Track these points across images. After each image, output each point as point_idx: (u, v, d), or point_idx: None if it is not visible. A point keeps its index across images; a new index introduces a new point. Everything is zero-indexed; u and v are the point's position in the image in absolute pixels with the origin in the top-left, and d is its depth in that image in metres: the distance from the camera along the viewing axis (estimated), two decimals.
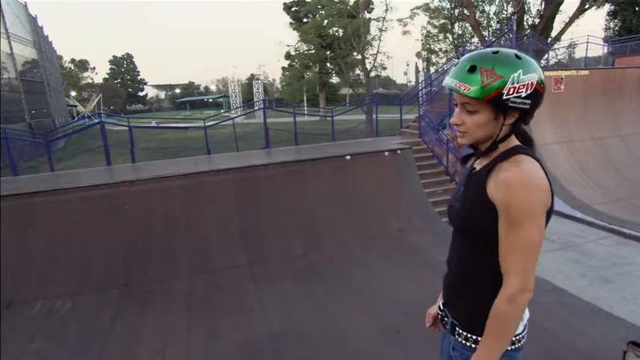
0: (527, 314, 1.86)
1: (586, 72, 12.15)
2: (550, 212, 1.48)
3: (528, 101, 1.40)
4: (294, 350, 5.01)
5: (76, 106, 45.21)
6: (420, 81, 29.90)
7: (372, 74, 25.02)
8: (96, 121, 18.14)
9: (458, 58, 16.13)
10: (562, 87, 11.72)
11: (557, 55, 14.88)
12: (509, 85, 1.37)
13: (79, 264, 7.17)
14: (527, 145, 1.54)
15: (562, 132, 11.71)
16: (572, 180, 10.82)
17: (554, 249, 8.03)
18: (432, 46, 22.23)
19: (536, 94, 1.41)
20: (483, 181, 1.49)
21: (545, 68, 12.78)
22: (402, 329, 5.30)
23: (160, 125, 19.23)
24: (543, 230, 1.43)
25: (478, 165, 1.64)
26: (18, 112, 18.85)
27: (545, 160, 11.10)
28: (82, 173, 10.37)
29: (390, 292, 6.36)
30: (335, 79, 41.09)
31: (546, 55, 14.24)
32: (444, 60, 21.41)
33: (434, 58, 22.98)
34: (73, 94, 55.17)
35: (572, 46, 15.22)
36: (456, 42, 20.94)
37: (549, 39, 16.65)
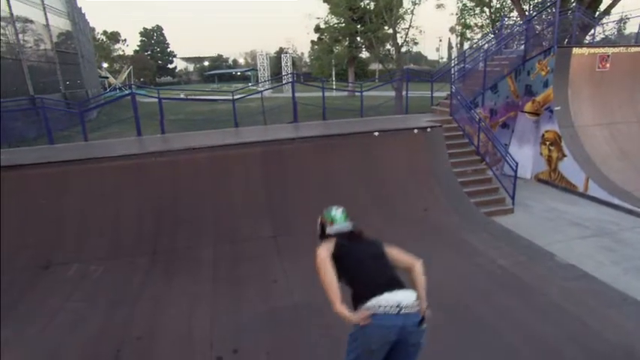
0: (371, 303, 2.50)
1: (637, 48, 11.36)
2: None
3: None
4: (316, 323, 5.07)
5: (107, 78, 46.10)
6: (452, 57, 28.89)
7: (403, 49, 24.29)
8: (127, 92, 18.45)
9: (494, 34, 15.40)
10: (607, 65, 11.03)
11: (604, 30, 13.94)
12: None
13: (110, 231, 7.43)
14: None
15: (604, 114, 11.09)
16: (611, 165, 10.29)
17: (586, 235, 7.73)
18: (468, 20, 21.23)
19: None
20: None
21: (590, 45, 12.04)
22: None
23: (189, 97, 19.40)
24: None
25: None
26: (53, 83, 19.35)
27: (582, 143, 10.60)
28: (113, 143, 10.64)
29: None
30: (364, 54, 40.19)
31: (592, 31, 13.37)
32: (479, 35, 20.49)
33: (469, 34, 22.00)
34: (105, 65, 56.23)
35: (622, 20, 14.19)
36: (493, 16, 19.91)
37: (597, 13, 15.60)
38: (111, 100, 21.06)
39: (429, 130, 9.59)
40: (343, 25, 30.07)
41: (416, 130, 9.47)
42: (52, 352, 4.72)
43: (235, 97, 11.61)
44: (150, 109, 12.86)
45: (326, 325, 5.01)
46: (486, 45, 13.93)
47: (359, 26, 28.63)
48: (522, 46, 12.01)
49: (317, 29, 35.49)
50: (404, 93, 13.78)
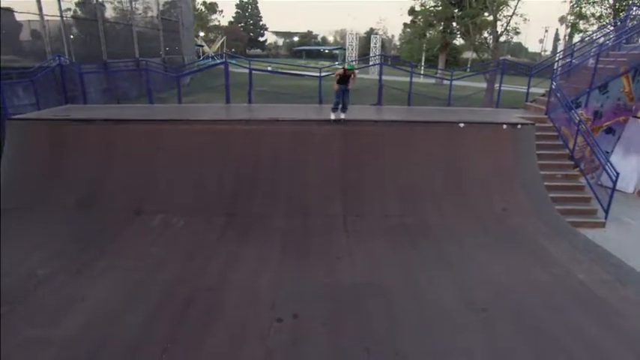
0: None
1: None
2: None
3: None
4: (375, 303, 5.14)
5: (202, 46, 48.78)
6: (558, 50, 26.33)
7: (502, 39, 22.58)
8: (220, 61, 19.49)
9: (615, 25, 13.66)
10: None
11: None
12: None
13: (193, 188, 8.06)
14: None
15: None
16: None
17: None
18: (584, 9, 18.98)
19: None
20: None
21: None
22: (488, 308, 5.08)
23: (277, 71, 19.98)
24: None
25: None
26: (155, 48, 20.99)
27: None
28: (204, 108, 11.39)
29: (482, 269, 6.08)
30: (459, 41, 38.05)
31: None
32: (594, 27, 18.31)
33: (582, 25, 19.72)
34: (202, 34, 59.48)
35: None
36: (617, 4, 17.50)
37: None
38: (204, 68, 22.35)
39: (519, 127, 8.96)
40: (440, 8, 28.62)
41: (505, 126, 8.91)
42: (136, 287, 5.34)
43: (322, 74, 11.73)
44: (238, 79, 13.48)
45: (385, 304, 5.09)
46: (602, 38, 12.44)
47: (456, 10, 27.10)
48: None
49: (411, 11, 34.19)
50: (497, 86, 12.93)
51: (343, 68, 8.18)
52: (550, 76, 11.62)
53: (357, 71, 8.22)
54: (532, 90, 12.14)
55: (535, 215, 7.83)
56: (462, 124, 8.76)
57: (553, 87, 10.21)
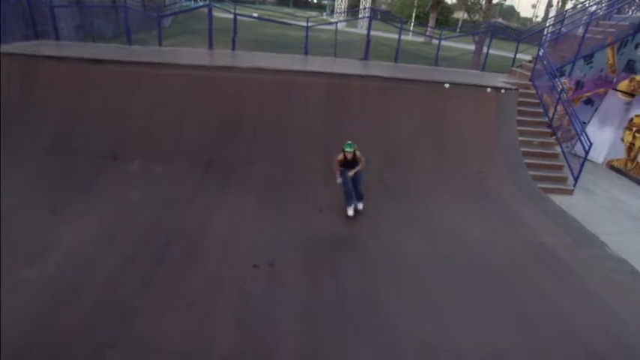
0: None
1: None
2: None
3: None
4: (349, 255, 5.34)
5: None
6: (549, 16, 26.07)
7: (495, 0, 22.17)
8: (202, 4, 18.52)
9: None
10: None
11: None
12: None
13: (172, 135, 7.90)
14: None
15: None
16: None
17: None
18: None
19: None
20: None
21: None
22: (453, 258, 5.41)
23: (263, 17, 19.16)
24: None
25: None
26: None
27: None
28: (185, 52, 10.92)
29: (453, 225, 6.35)
30: (451, 0, 37.10)
31: None
32: None
33: None
34: None
35: None
36: None
37: None
38: (187, 10, 21.24)
39: (502, 91, 9.01)
40: None
41: (489, 89, 8.94)
42: (112, 231, 5.35)
43: (309, 24, 11.34)
44: (223, 24, 12.88)
45: (359, 255, 5.34)
46: (594, 7, 12.34)
47: None
48: None
49: None
50: (485, 48, 12.81)
51: (342, 151, 6.03)
52: (539, 42, 11.57)
53: (359, 153, 6.08)
54: (519, 56, 12.10)
55: (509, 179, 8.09)
56: (447, 85, 8.74)
57: (540, 53, 10.20)
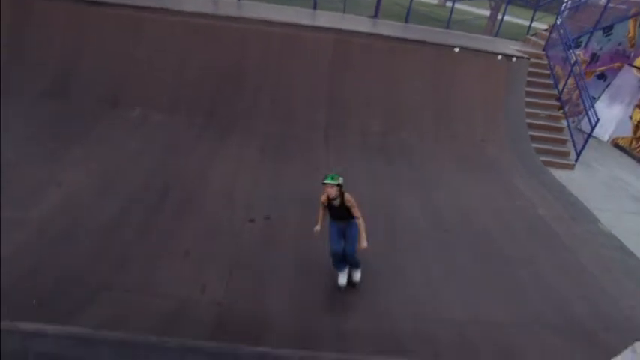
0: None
1: None
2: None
3: None
4: None
5: None
6: None
7: None
8: None
9: None
10: None
11: None
12: None
13: (174, 84, 7.72)
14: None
15: None
16: None
17: None
18: None
19: None
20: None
21: None
22: (451, 229, 5.43)
23: None
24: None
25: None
26: None
27: None
28: None
29: (452, 192, 6.36)
30: None
31: None
32: None
33: None
34: None
35: None
36: None
37: None
38: None
39: (514, 59, 8.75)
40: None
41: (500, 57, 8.68)
42: (112, 177, 5.36)
43: None
44: None
45: None
46: None
47: None
48: None
49: None
50: (500, 15, 12.33)
51: (324, 189, 3.91)
52: (557, 10, 11.12)
53: (349, 196, 3.98)
54: (535, 24, 11.67)
55: (511, 150, 8.03)
56: (457, 49, 8.48)
57: (557, 22, 9.83)
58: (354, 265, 4.27)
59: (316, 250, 4.53)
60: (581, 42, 10.13)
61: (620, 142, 10.28)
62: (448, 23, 11.34)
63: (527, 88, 8.97)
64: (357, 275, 4.34)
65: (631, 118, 10.20)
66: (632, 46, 10.31)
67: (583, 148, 8.41)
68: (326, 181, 3.86)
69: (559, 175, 7.85)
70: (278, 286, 4.11)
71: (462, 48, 8.54)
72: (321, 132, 7.33)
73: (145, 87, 7.59)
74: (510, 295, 4.50)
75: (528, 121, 8.63)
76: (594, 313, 4.39)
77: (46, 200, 4.74)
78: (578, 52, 9.86)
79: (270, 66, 7.99)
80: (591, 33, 9.99)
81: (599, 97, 10.89)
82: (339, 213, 4.01)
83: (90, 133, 6.35)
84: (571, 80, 9.24)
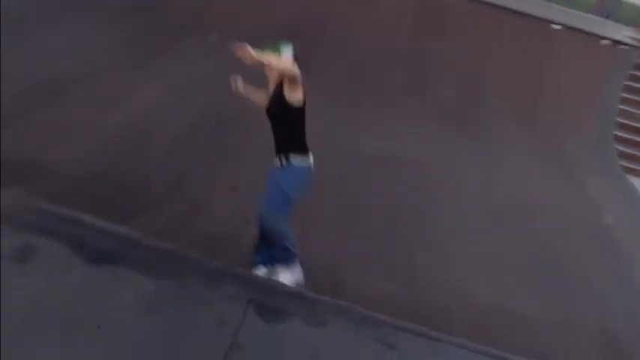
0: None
1: None
2: None
3: None
4: (403, 171, 5.27)
5: None
6: None
7: None
8: None
9: None
10: None
11: None
12: None
13: (254, 14, 7.58)
14: None
15: None
16: None
17: None
18: None
19: None
20: None
21: None
22: (502, 215, 5.20)
23: None
24: None
25: None
26: None
27: None
28: None
29: (512, 176, 6.05)
30: None
31: None
32: None
33: None
34: None
35: None
36: None
37: None
38: None
39: (622, 47, 7.77)
40: None
41: (605, 41, 7.73)
42: (180, 97, 5.53)
43: None
44: None
45: (410, 174, 5.21)
46: None
47: None
48: None
49: None
50: None
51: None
52: None
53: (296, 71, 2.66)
54: None
55: (593, 147, 7.37)
56: (557, 26, 7.65)
57: None
58: (266, 245, 2.93)
59: (360, 204, 4.50)
60: None
61: None
62: None
63: (628, 82, 8.02)
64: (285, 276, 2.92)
65: None
66: None
67: None
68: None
69: (638, 184, 7.16)
70: (320, 224, 4.13)
71: (562, 25, 7.70)
72: (394, 95, 7.05)
73: (225, 15, 7.55)
74: (548, 293, 4.25)
75: (619, 120, 7.80)
76: (638, 335, 4.12)
77: (124, 107, 5.02)
78: None
79: (349, 14, 7.68)
80: None
81: None
82: (273, 106, 2.84)
83: (166, 52, 6.51)
84: None
